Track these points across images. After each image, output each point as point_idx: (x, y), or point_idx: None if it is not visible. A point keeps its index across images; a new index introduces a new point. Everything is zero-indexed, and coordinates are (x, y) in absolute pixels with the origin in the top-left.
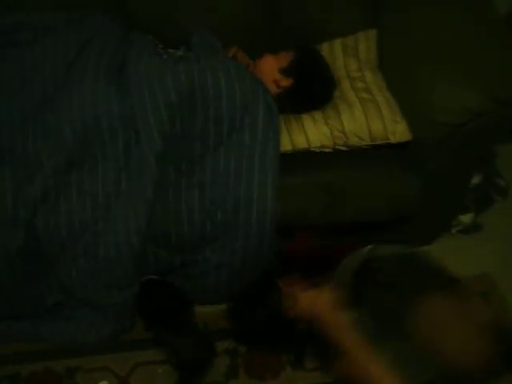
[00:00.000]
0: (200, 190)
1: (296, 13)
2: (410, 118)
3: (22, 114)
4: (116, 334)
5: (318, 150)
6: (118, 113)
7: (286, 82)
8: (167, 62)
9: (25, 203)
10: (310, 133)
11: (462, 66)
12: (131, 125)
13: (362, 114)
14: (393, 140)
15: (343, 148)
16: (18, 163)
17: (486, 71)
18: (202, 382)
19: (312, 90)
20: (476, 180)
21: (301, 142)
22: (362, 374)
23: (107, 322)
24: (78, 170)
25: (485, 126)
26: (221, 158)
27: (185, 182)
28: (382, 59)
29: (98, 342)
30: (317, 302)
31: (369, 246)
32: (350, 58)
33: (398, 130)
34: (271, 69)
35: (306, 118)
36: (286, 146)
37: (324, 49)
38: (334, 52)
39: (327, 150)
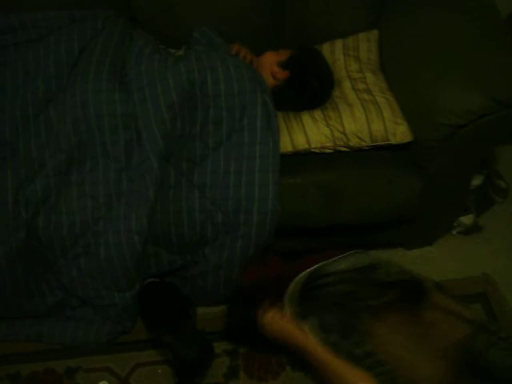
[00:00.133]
0: (200, 191)
1: (299, 13)
2: (410, 119)
3: (24, 112)
4: (116, 335)
5: (318, 151)
6: (120, 112)
7: (282, 74)
8: (167, 61)
9: (26, 203)
10: (311, 133)
11: (463, 68)
12: (133, 124)
13: (363, 115)
14: (393, 141)
15: (344, 149)
16: (19, 162)
17: (487, 72)
18: (202, 383)
19: (309, 85)
20: (477, 181)
21: (301, 143)
22: (336, 379)
23: (108, 322)
24: (79, 169)
25: (486, 128)
26: (221, 158)
27: (185, 183)
28: (384, 60)
29: (99, 343)
30: (277, 319)
31: (317, 265)
32: (351, 58)
33: (399, 131)
34: (270, 62)
35: (307, 119)
36: (286, 146)
37: (325, 49)
38: (335, 52)
39: (328, 151)
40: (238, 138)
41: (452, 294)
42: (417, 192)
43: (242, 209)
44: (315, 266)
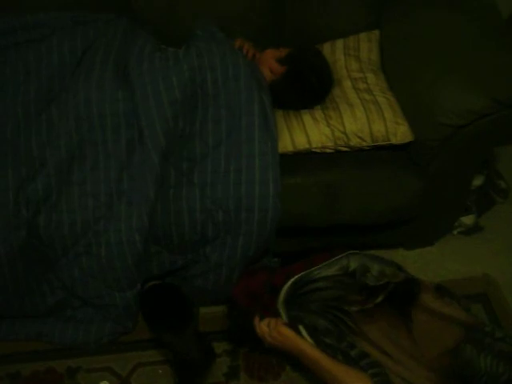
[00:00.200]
0: (201, 190)
1: (299, 13)
2: (411, 119)
3: (26, 110)
4: (117, 336)
5: (319, 151)
6: (122, 111)
7: (279, 69)
8: (169, 60)
9: (27, 202)
10: (312, 133)
11: (463, 68)
12: (135, 123)
13: (364, 115)
14: (394, 141)
15: (344, 149)
16: (20, 161)
17: (487, 73)
18: (203, 383)
19: (308, 81)
20: (477, 181)
21: (302, 143)
22: (334, 382)
23: (108, 323)
24: (80, 168)
25: (486, 128)
26: (221, 157)
27: (186, 182)
28: (385, 60)
29: (99, 343)
30: (273, 325)
31: (307, 270)
32: (352, 58)
33: (400, 131)
34: (269, 58)
35: (308, 119)
36: (287, 146)
37: (326, 49)
38: (336, 52)
39: (328, 151)
40: (237, 136)
41: (454, 295)
42: (417, 192)
43: (243, 207)
44: (305, 272)
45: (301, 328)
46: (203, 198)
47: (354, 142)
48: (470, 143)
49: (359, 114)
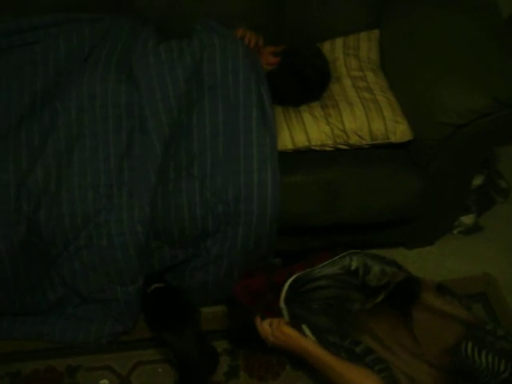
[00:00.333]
0: (201, 182)
1: (300, 13)
2: (411, 118)
3: (32, 101)
4: (117, 335)
5: (318, 149)
6: (124, 102)
7: (273, 60)
8: (173, 51)
9: (28, 195)
10: (311, 131)
11: (463, 67)
12: (136, 113)
13: (363, 114)
14: (394, 140)
15: (344, 147)
16: (22, 152)
17: (488, 72)
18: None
19: (305, 74)
20: (477, 181)
21: (301, 140)
22: (340, 380)
23: (108, 322)
24: (80, 159)
25: (486, 127)
26: (219, 148)
27: (185, 175)
28: (384, 60)
29: (99, 343)
30: (275, 325)
31: (308, 269)
32: (351, 57)
33: (399, 130)
34: (266, 52)
35: (307, 117)
36: (286, 144)
37: (325, 48)
38: (335, 51)
39: (328, 149)
40: (234, 127)
41: (455, 294)
42: (417, 191)
43: (242, 197)
44: (307, 270)
45: (304, 327)
46: (203, 190)
47: (354, 140)
48: (470, 143)
49: (359, 113)
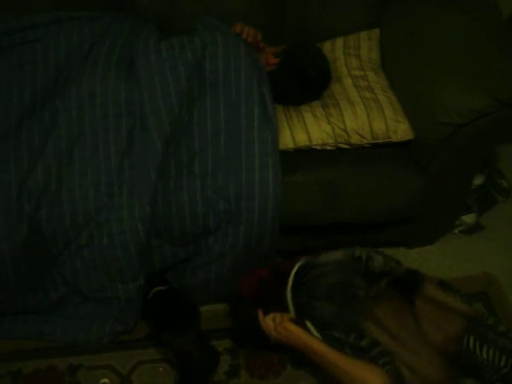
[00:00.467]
0: (202, 180)
1: (300, 12)
2: (412, 117)
3: (32, 100)
4: (118, 335)
5: (319, 148)
6: (124, 99)
7: (273, 60)
8: (174, 48)
9: (29, 194)
10: (312, 130)
11: (464, 67)
12: (136, 110)
13: (364, 113)
14: (395, 139)
15: (345, 146)
16: (22, 151)
17: (488, 72)
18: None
19: (306, 73)
20: (478, 180)
21: (302, 140)
22: (345, 376)
23: (109, 321)
24: (81, 157)
25: (487, 127)
26: (220, 146)
27: (186, 173)
28: (385, 60)
29: (100, 343)
30: (278, 321)
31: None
32: (352, 57)
33: (400, 129)
34: (267, 53)
35: (308, 116)
36: (287, 143)
37: (326, 47)
38: (336, 51)
39: (329, 148)
40: (236, 124)
41: (457, 290)
42: (418, 190)
43: (244, 194)
44: (311, 257)
45: (308, 323)
46: (204, 187)
47: (355, 139)
48: (471, 142)
49: (360, 112)
